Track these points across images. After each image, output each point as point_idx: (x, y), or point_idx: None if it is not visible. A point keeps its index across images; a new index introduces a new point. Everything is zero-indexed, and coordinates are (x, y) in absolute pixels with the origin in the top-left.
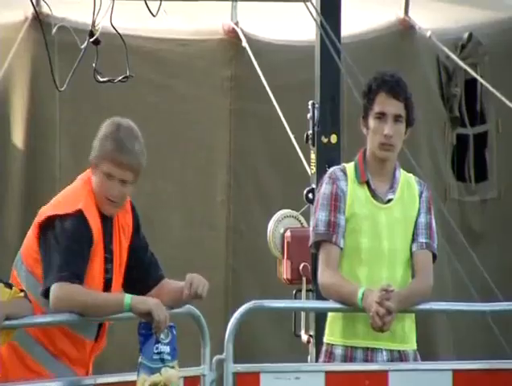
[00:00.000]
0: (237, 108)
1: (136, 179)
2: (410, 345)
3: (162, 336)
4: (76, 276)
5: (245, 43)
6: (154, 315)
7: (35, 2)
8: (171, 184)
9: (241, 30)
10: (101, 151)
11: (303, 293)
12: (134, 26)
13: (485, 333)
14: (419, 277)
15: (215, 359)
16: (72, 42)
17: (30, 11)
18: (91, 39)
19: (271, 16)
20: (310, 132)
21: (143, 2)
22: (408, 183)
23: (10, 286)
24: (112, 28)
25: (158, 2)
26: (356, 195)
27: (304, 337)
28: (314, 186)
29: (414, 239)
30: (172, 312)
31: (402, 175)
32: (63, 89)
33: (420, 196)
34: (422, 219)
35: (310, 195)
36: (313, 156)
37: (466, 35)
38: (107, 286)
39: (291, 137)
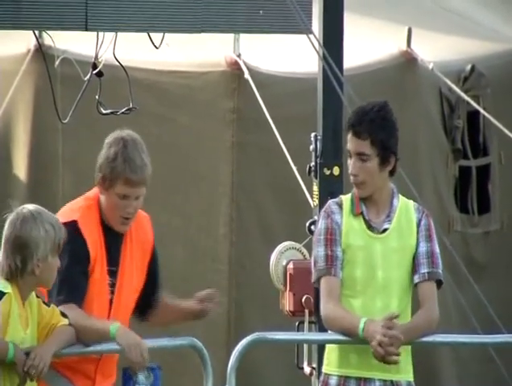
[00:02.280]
0: (239, 141)
1: (146, 188)
2: (405, 376)
3: (141, 377)
4: (73, 297)
5: (247, 75)
6: (129, 355)
7: (38, 34)
8: (173, 217)
9: (244, 62)
10: (112, 173)
11: (306, 325)
12: (137, 58)
13: (488, 365)
14: (424, 310)
15: None
16: (74, 74)
17: (32, 43)
18: (94, 71)
19: (274, 48)
20: (312, 164)
21: (146, 35)
22: (406, 211)
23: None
24: (114, 60)
25: (161, 34)
26: (351, 227)
27: (307, 369)
28: (316, 218)
29: (416, 270)
30: (175, 344)
31: (401, 203)
32: (66, 121)
33: (418, 224)
34: (422, 249)
35: (312, 227)
36: (315, 188)
37: (469, 67)
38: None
39: (294, 169)
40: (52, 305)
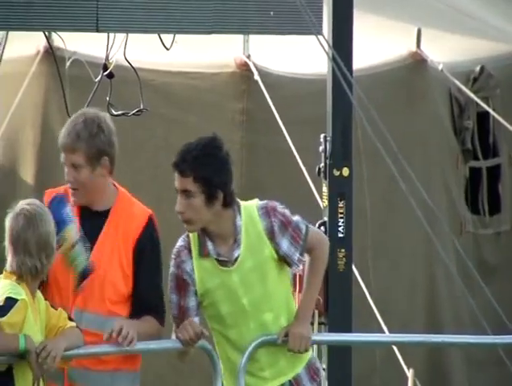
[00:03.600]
0: (248, 142)
1: (90, 163)
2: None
3: None
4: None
5: (257, 76)
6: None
7: (48, 35)
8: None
9: (253, 64)
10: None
11: (316, 326)
12: (147, 60)
13: (499, 367)
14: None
15: None
16: (84, 75)
17: (42, 45)
18: (105, 73)
19: (283, 49)
20: (322, 165)
21: (155, 36)
22: (252, 224)
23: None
24: (124, 61)
25: (171, 35)
26: (203, 270)
27: None
28: (326, 219)
29: (291, 265)
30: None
31: (245, 219)
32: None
33: (268, 230)
34: (284, 245)
35: (322, 228)
36: (325, 189)
37: (478, 68)
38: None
39: (303, 170)
40: (60, 308)
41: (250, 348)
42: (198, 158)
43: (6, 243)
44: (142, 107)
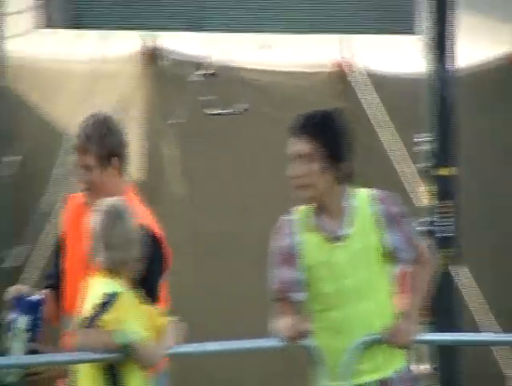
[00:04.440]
0: None
1: (100, 163)
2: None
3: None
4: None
5: (354, 76)
6: None
7: (148, 34)
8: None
9: (351, 64)
10: None
11: (421, 326)
12: (245, 59)
13: None
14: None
15: None
16: (184, 75)
17: (143, 44)
18: (205, 72)
19: (381, 49)
20: (423, 164)
21: (253, 35)
22: (365, 206)
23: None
24: (224, 61)
25: (269, 34)
26: (310, 244)
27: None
28: (429, 218)
29: (395, 261)
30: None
31: (359, 199)
32: (176, 122)
33: (378, 216)
34: (393, 238)
35: (423, 228)
36: (426, 189)
37: None
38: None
39: (403, 169)
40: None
41: (354, 346)
42: (319, 125)
43: (95, 241)
44: (242, 106)
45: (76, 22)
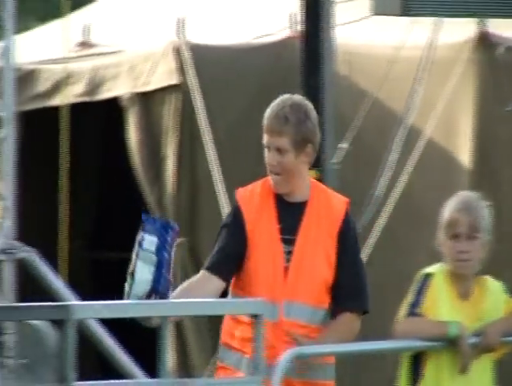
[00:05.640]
0: None
1: (295, 148)
2: None
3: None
4: (211, 265)
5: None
6: None
7: (481, 21)
8: None
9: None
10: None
11: None
12: None
13: None
14: None
15: None
16: None
17: (474, 31)
18: None
19: None
20: None
21: None
22: None
23: None
24: None
25: None
26: None
27: None
28: None
29: None
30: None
31: None
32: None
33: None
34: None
35: None
36: None
37: None
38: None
39: None
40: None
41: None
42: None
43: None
44: None
45: (406, 9)
